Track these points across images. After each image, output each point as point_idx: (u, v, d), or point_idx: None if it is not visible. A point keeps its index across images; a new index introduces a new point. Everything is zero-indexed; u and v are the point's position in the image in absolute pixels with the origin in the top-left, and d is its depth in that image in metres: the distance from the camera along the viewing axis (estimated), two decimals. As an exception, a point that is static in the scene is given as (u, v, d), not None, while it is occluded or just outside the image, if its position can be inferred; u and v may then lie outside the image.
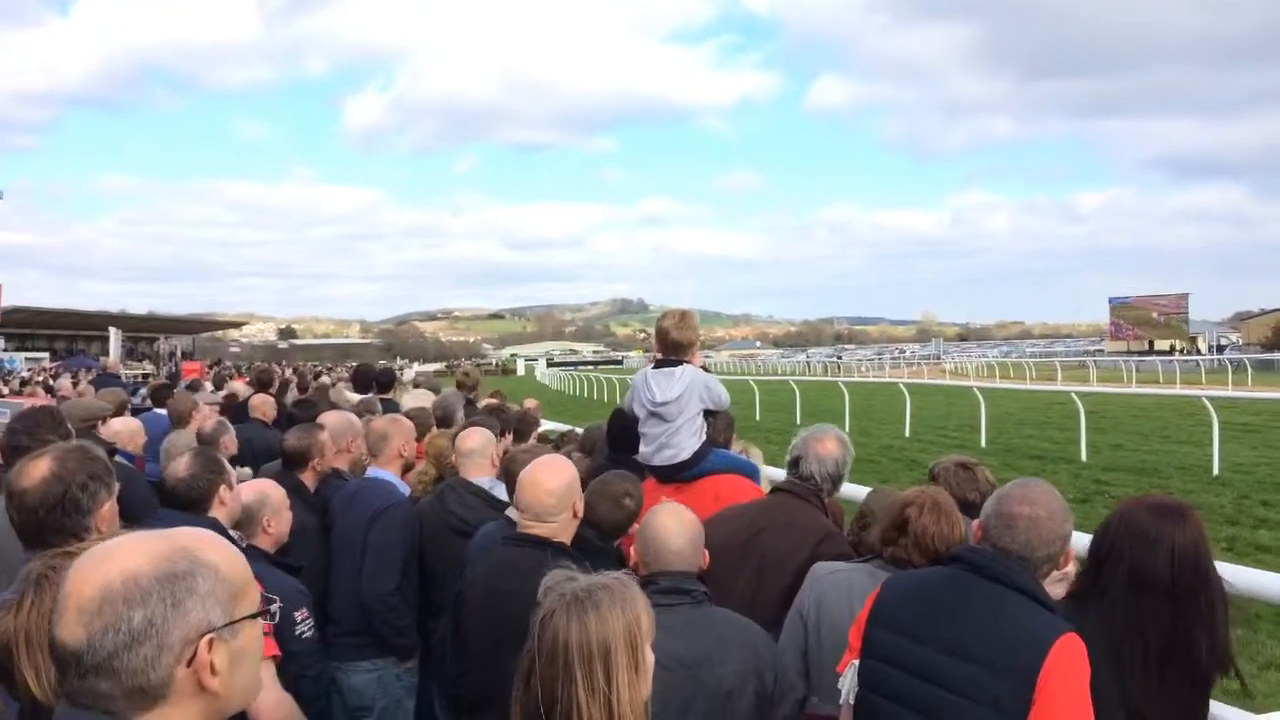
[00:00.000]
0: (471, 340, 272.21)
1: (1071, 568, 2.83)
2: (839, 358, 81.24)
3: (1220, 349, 63.95)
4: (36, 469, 2.62)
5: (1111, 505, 11.32)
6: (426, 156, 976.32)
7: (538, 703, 1.93)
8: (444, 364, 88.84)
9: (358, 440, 4.99)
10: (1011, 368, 49.63)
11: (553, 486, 3.17)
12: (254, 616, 1.42)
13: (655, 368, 4.32)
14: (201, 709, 1.35)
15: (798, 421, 23.36)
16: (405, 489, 4.57)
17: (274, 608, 1.47)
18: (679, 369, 4.23)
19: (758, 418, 24.41)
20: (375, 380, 9.00)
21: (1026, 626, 2.19)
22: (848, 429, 20.56)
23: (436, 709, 4.38)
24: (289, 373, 26.51)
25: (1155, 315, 78.71)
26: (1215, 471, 13.58)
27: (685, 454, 4.18)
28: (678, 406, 4.17)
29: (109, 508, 2.70)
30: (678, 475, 4.18)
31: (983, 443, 17.45)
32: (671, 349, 4.29)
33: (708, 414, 4.30)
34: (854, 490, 4.72)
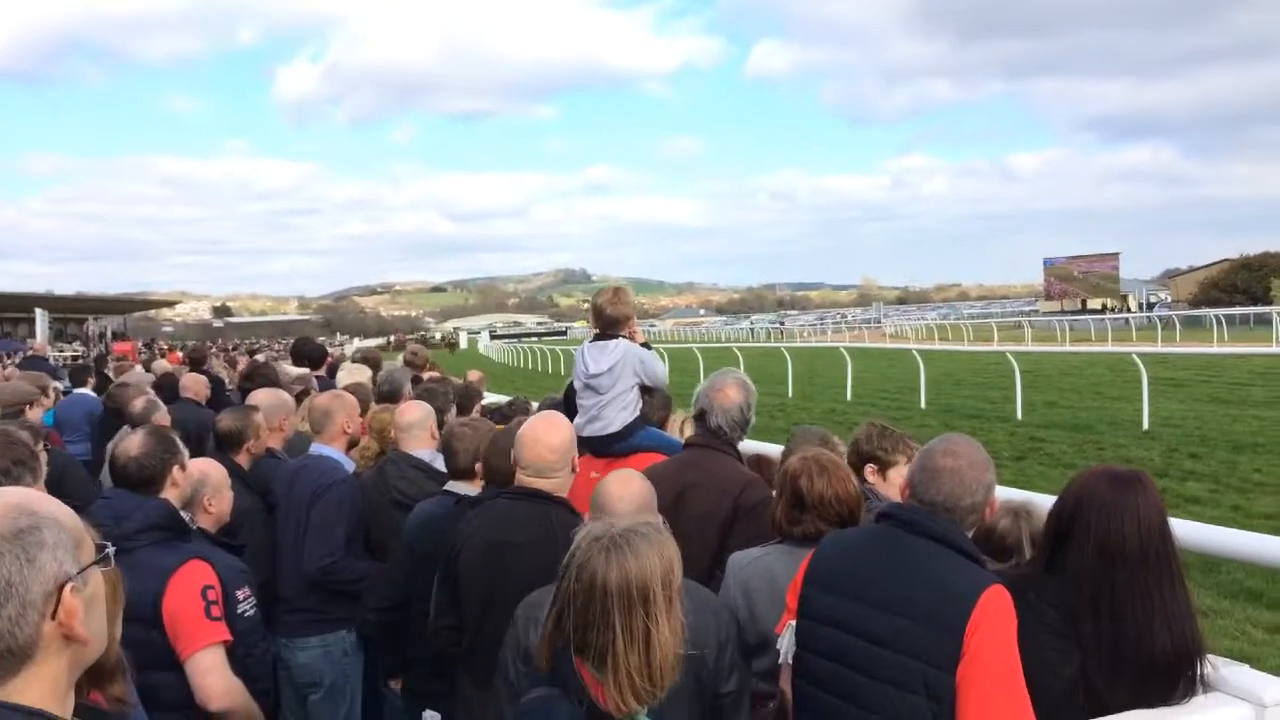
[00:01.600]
0: (413, 314, 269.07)
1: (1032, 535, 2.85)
2: (781, 323, 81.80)
3: (1150, 306, 65.61)
4: None
5: (1048, 463, 11.70)
6: (363, 127, 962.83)
7: (569, 643, 1.93)
8: (385, 339, 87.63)
9: (290, 418, 4.92)
10: (950, 330, 50.47)
11: (554, 443, 3.16)
12: (97, 562, 1.41)
13: (592, 341, 4.46)
14: (67, 661, 1.35)
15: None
16: (350, 465, 4.51)
17: (109, 550, 1.45)
18: (613, 343, 4.36)
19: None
20: (305, 356, 8.80)
21: (953, 579, 2.23)
22: (790, 394, 20.96)
23: (380, 681, 4.35)
24: (234, 353, 25.90)
25: (1075, 273, 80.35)
26: (1145, 426, 13.96)
27: (614, 426, 4.30)
28: (610, 379, 4.30)
29: None
30: (608, 448, 4.28)
31: (922, 404, 17.75)
32: (607, 324, 4.43)
33: (645, 391, 4.41)
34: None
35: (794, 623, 2.48)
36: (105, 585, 1.43)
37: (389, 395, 5.77)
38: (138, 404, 5.69)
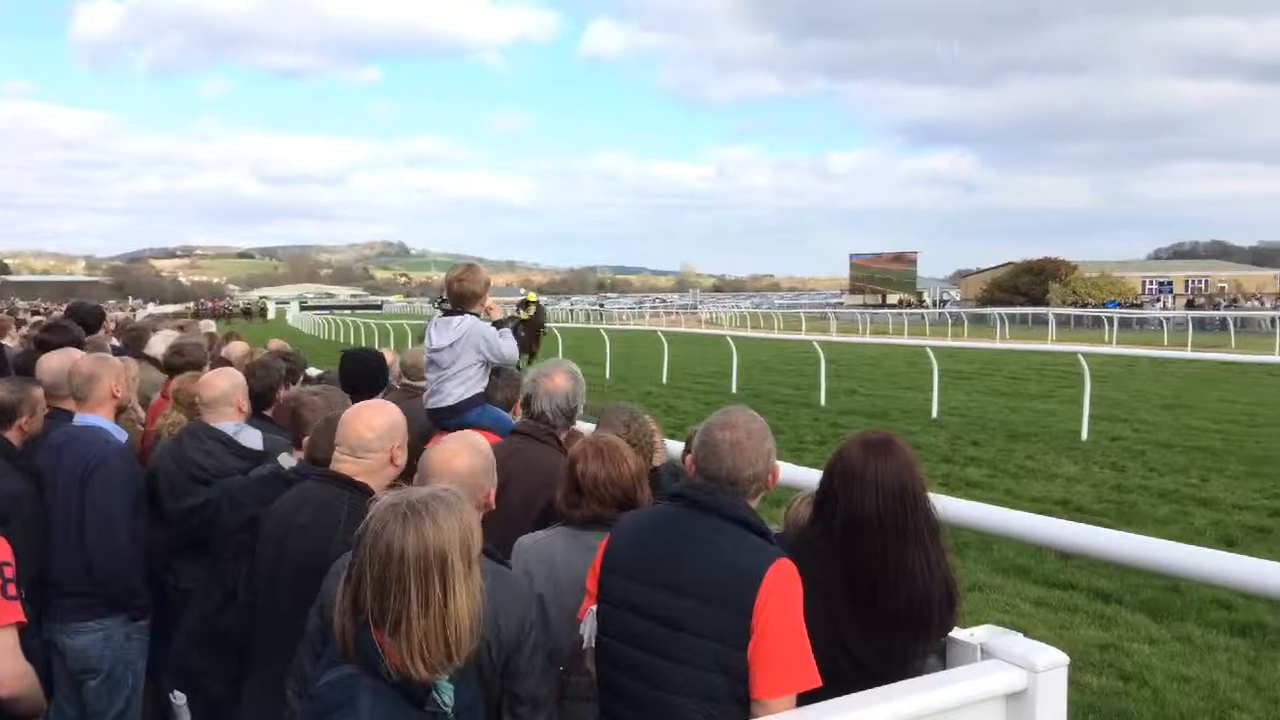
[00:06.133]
0: (215, 281, 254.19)
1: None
2: (601, 305, 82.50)
3: (942, 303, 70.24)
4: None
5: (846, 446, 12.35)
6: (169, 77, 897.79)
7: (368, 616, 1.87)
8: (184, 306, 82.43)
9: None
10: (761, 318, 52.33)
11: (374, 422, 3.02)
12: None
13: (442, 316, 4.49)
14: None
15: (560, 368, 23.62)
16: (120, 434, 4.21)
17: None
18: (458, 319, 4.40)
19: (519, 364, 24.41)
20: (80, 320, 8.19)
21: (740, 557, 2.31)
22: (608, 376, 21.18)
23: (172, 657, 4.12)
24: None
25: (874, 272, 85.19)
26: (934, 415, 14.94)
27: (449, 400, 4.35)
28: (451, 354, 4.34)
29: None
30: (442, 423, 4.30)
31: (734, 389, 18.34)
32: (456, 300, 4.47)
33: (497, 372, 4.51)
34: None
35: (594, 608, 2.50)
36: None
37: (193, 364, 5.45)
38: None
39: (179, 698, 3.16)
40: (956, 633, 2.46)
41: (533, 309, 4.89)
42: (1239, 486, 9.89)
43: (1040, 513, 5.78)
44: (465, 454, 2.74)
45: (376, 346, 10.47)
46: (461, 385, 4.35)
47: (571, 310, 73.16)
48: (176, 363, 5.43)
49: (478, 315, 4.48)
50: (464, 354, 4.34)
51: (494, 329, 4.48)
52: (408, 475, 3.02)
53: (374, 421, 3.03)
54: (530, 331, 4.83)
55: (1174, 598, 6.35)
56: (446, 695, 1.94)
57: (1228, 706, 4.91)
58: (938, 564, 2.47)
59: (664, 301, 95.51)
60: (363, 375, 4.84)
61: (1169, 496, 9.55)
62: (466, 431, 3.08)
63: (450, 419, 4.28)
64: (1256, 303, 57.42)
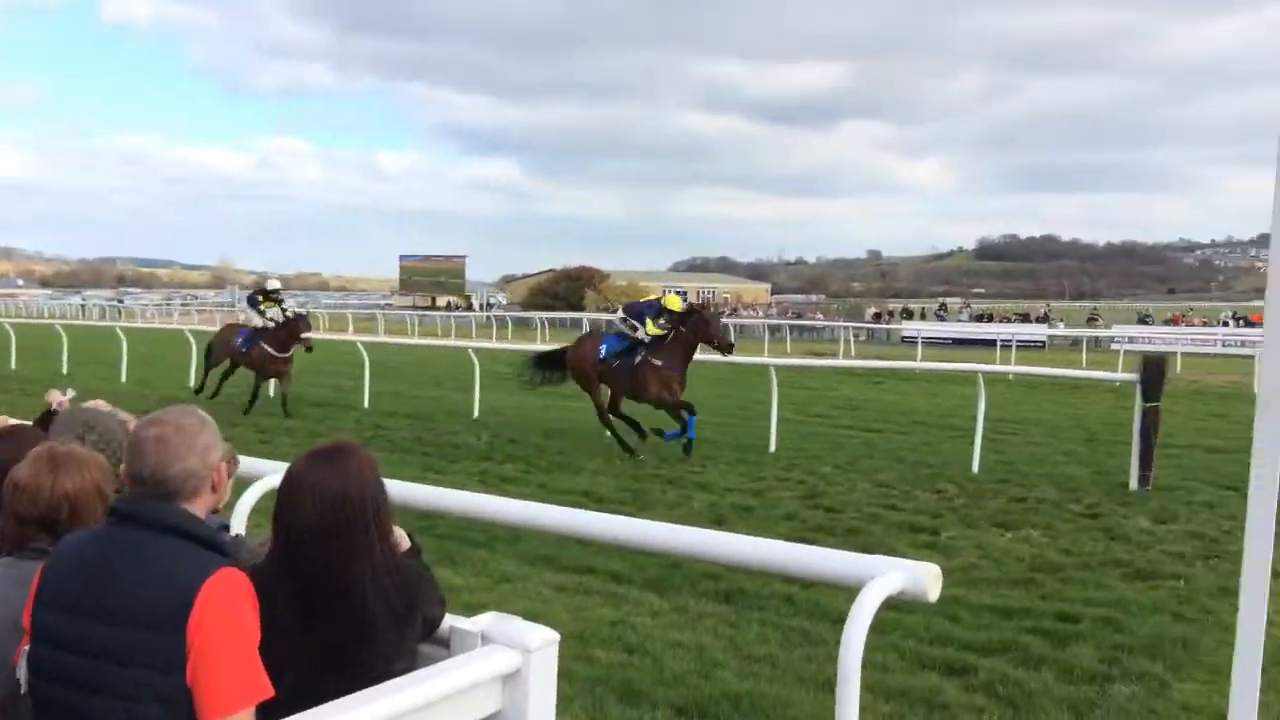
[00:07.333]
0: None
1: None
2: (121, 301, 73.90)
3: (488, 306, 72.44)
4: None
5: (388, 448, 12.34)
6: None
7: None
8: None
9: None
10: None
11: None
12: None
13: None
14: None
15: (64, 371, 20.96)
16: None
17: None
18: None
19: (14, 367, 21.26)
20: None
21: (176, 572, 2.12)
22: (125, 378, 19.19)
23: None
24: None
25: (424, 274, 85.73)
26: (476, 414, 15.41)
27: None
28: None
29: None
30: None
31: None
32: None
33: None
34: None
35: (28, 648, 2.19)
36: None
37: None
38: None
39: None
40: (459, 622, 2.53)
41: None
42: (730, 471, 11.39)
43: (568, 504, 6.22)
44: None
45: None
46: None
47: (84, 306, 64.69)
48: None
49: None
50: None
51: None
52: None
53: None
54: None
55: (675, 573, 7.11)
56: None
57: (712, 665, 5.63)
58: (385, 569, 2.44)
59: (197, 298, 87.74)
60: None
61: (676, 483, 10.73)
62: None
63: None
64: (752, 312, 66.29)
